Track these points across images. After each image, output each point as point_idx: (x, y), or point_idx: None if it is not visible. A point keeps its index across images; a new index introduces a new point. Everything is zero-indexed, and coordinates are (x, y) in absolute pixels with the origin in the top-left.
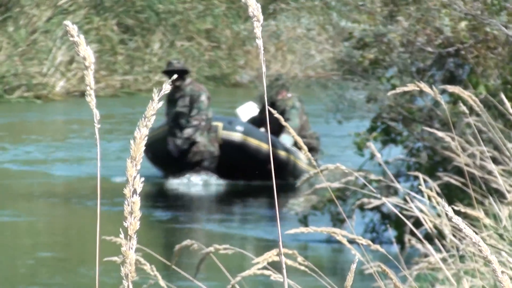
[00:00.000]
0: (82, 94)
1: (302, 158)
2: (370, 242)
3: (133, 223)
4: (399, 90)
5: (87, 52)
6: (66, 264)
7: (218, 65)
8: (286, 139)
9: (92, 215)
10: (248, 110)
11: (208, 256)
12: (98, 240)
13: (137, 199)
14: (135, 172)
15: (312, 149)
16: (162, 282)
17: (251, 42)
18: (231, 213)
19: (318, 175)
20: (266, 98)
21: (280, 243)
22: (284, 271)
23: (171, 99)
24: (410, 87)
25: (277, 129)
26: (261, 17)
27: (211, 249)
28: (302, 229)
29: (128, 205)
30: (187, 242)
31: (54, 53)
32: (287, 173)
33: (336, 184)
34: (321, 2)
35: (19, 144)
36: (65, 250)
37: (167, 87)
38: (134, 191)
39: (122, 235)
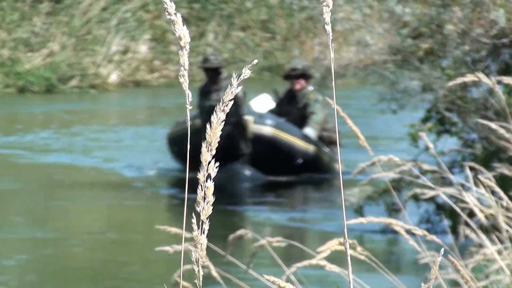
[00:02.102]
0: (137, 84)
1: (327, 152)
2: (426, 233)
3: (206, 208)
4: (458, 80)
5: (183, 31)
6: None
7: (273, 56)
8: (310, 133)
9: (141, 205)
10: (262, 102)
11: (262, 246)
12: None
13: (210, 184)
14: (210, 157)
15: (333, 143)
16: (214, 272)
17: (306, 33)
18: (281, 205)
19: (371, 166)
20: (334, 86)
21: (345, 231)
22: (349, 258)
23: (205, 92)
24: (469, 77)
25: (299, 122)
26: (330, 3)
27: (264, 242)
28: (362, 220)
29: (202, 190)
30: (241, 231)
31: (108, 43)
32: (317, 168)
33: (392, 174)
34: None
35: (74, 132)
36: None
37: (246, 72)
38: (208, 176)
39: (194, 219)
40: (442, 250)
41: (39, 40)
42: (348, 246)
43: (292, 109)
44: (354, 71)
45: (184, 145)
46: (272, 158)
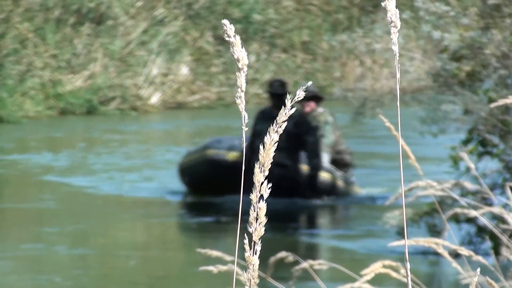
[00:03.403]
0: (178, 105)
1: (339, 177)
2: (471, 253)
3: (258, 228)
4: (500, 102)
5: (241, 53)
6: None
7: (314, 77)
8: (323, 157)
9: (173, 228)
10: None
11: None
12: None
13: (263, 205)
14: (263, 178)
15: (346, 165)
16: None
17: (348, 55)
18: (320, 227)
19: (409, 191)
20: (399, 107)
21: (406, 254)
22: (409, 278)
23: (268, 117)
24: (511, 99)
25: (298, 145)
26: (398, 23)
27: (306, 264)
28: (402, 242)
29: (254, 211)
30: (282, 254)
31: (149, 65)
32: (333, 194)
33: (435, 193)
34: (413, 16)
35: (113, 153)
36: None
37: (300, 94)
38: (261, 197)
39: (246, 240)
40: (479, 269)
41: (80, 62)
42: (409, 271)
43: (293, 133)
44: (392, 98)
45: (196, 176)
46: (281, 184)
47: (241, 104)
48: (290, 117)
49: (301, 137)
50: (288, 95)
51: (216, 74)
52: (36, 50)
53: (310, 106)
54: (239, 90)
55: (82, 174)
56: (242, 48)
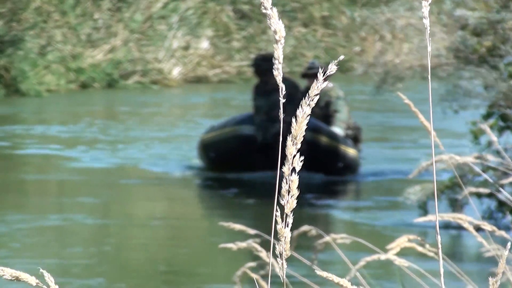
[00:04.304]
0: (198, 79)
1: (358, 152)
2: (495, 228)
3: (290, 201)
4: None
5: (278, 25)
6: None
7: (334, 52)
8: (338, 132)
9: (197, 200)
10: None
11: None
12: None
13: (295, 178)
14: (295, 150)
15: (356, 140)
16: (278, 269)
17: (367, 29)
18: (339, 203)
19: (430, 166)
20: (429, 79)
21: (437, 228)
22: (441, 252)
23: (260, 93)
24: None
25: (323, 121)
26: None
27: (329, 238)
28: (430, 217)
29: (286, 183)
30: (305, 227)
31: (170, 38)
32: (353, 169)
33: (456, 167)
34: None
35: (134, 128)
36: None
37: (333, 68)
38: (293, 170)
39: (278, 212)
40: (509, 244)
41: (100, 36)
42: (440, 246)
43: (314, 108)
44: (413, 74)
45: (224, 151)
46: (315, 161)
47: (279, 75)
48: (278, 90)
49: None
50: (273, 69)
51: (236, 48)
52: (57, 24)
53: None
54: (276, 62)
55: (102, 147)
56: (279, 20)
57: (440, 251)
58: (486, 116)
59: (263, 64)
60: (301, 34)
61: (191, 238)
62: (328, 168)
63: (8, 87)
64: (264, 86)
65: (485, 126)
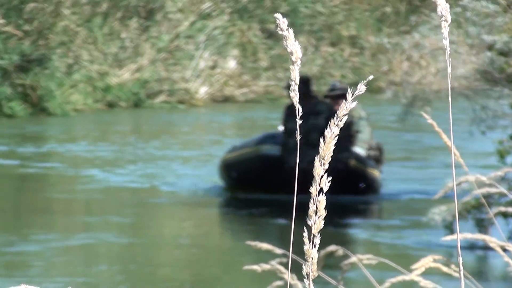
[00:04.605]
0: (225, 99)
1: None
2: None
3: (317, 222)
4: None
5: (294, 47)
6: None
7: (361, 71)
8: (360, 152)
9: (222, 221)
10: None
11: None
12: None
13: (323, 198)
14: (323, 171)
15: (378, 160)
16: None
17: (394, 52)
18: (365, 223)
19: (457, 186)
20: (450, 100)
21: (459, 249)
22: (462, 272)
23: (294, 114)
24: None
25: (344, 142)
26: (449, 17)
27: (355, 259)
28: (454, 236)
29: (314, 204)
30: (332, 247)
31: (196, 58)
32: (375, 189)
33: (493, 189)
34: (462, 15)
35: (159, 147)
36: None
37: (362, 88)
38: (321, 190)
39: (305, 233)
40: None
41: (128, 55)
42: (461, 266)
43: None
44: (441, 96)
45: (246, 171)
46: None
47: (295, 97)
48: (322, 112)
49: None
50: (312, 91)
51: (263, 68)
52: (84, 43)
53: (339, 103)
54: (293, 83)
55: (128, 166)
56: (295, 41)
57: (461, 271)
58: None
59: (302, 86)
60: (328, 54)
61: (217, 258)
62: (350, 188)
63: (35, 106)
64: (301, 108)
65: None
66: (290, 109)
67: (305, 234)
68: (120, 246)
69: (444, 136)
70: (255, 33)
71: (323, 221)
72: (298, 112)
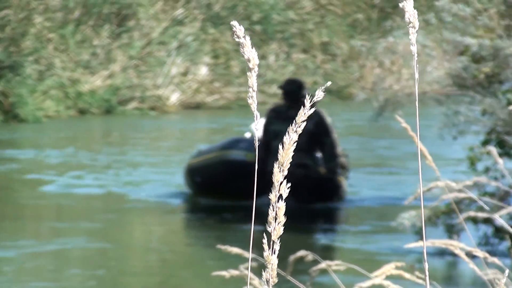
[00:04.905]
0: (197, 106)
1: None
2: (487, 255)
3: (277, 228)
4: None
5: (251, 53)
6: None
7: (333, 78)
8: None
9: (187, 227)
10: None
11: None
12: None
13: (282, 205)
14: (282, 177)
15: (343, 167)
16: None
17: (367, 57)
18: (337, 227)
19: (426, 192)
20: (417, 109)
21: (425, 255)
22: (427, 278)
23: (282, 117)
24: None
25: (306, 147)
26: (417, 24)
27: (324, 265)
28: (420, 243)
29: (273, 210)
30: (302, 252)
31: (168, 65)
32: (340, 196)
33: (453, 195)
34: (437, 18)
35: (129, 154)
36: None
37: (319, 94)
38: (280, 197)
39: (265, 240)
40: (507, 271)
41: (99, 62)
42: (427, 272)
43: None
44: (413, 100)
45: (210, 176)
46: (305, 188)
47: (253, 104)
48: (310, 117)
49: (319, 137)
50: (306, 96)
51: (235, 74)
52: (56, 50)
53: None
54: (250, 90)
55: (98, 172)
56: (252, 48)
57: (427, 277)
58: (484, 143)
59: (298, 90)
60: (300, 60)
61: (186, 263)
62: (318, 194)
63: (7, 113)
64: (287, 111)
65: (492, 149)
66: (275, 111)
67: (265, 240)
68: (90, 251)
69: (417, 141)
70: (227, 40)
71: (282, 228)
72: (257, 118)
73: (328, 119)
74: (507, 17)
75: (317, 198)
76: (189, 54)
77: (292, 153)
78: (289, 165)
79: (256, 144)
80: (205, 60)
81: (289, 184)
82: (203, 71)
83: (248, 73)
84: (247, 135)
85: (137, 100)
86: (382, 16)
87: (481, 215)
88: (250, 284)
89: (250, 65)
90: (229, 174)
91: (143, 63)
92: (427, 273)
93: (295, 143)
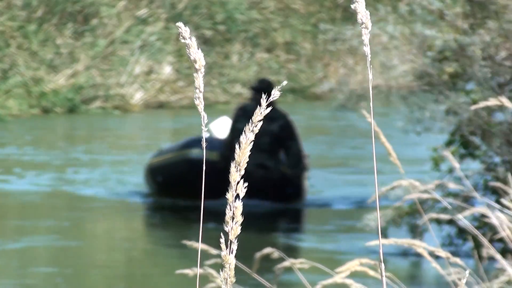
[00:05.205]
0: (160, 105)
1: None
2: (449, 255)
3: (234, 228)
4: (481, 104)
5: (197, 54)
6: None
7: (297, 78)
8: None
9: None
10: (222, 125)
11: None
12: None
13: (239, 204)
14: (239, 177)
15: (304, 168)
16: None
17: (331, 55)
18: (305, 227)
19: (389, 191)
20: (372, 109)
21: (381, 255)
22: (384, 278)
23: (249, 115)
24: (492, 101)
25: (268, 148)
26: (369, 25)
27: (288, 263)
28: (383, 241)
29: (230, 210)
30: (267, 250)
31: (132, 64)
32: (303, 195)
33: (417, 195)
34: (407, 11)
35: (92, 153)
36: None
37: (276, 93)
38: (237, 196)
39: (222, 239)
40: (468, 271)
41: (63, 61)
42: (383, 269)
43: (263, 136)
44: (378, 93)
45: (172, 176)
46: (265, 188)
47: (200, 104)
48: (275, 119)
49: (284, 140)
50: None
51: None
52: (19, 49)
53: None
54: (197, 91)
55: (60, 170)
56: (198, 49)
57: (383, 276)
58: (448, 143)
59: (269, 89)
60: (264, 60)
61: (150, 260)
62: (277, 195)
63: None
64: (253, 110)
65: (447, 153)
66: (242, 110)
67: (222, 240)
68: (54, 249)
69: (382, 137)
70: (182, 40)
71: (239, 227)
72: (204, 119)
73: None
74: (471, 16)
75: (277, 199)
76: (153, 53)
77: (250, 153)
78: (250, 165)
79: (204, 145)
80: (169, 59)
81: (246, 184)
82: (166, 70)
83: (195, 74)
84: (205, 134)
85: (101, 99)
86: (346, 16)
87: (444, 216)
88: (214, 282)
89: (197, 66)
90: (191, 173)
91: (106, 62)
92: (383, 272)
93: (258, 144)
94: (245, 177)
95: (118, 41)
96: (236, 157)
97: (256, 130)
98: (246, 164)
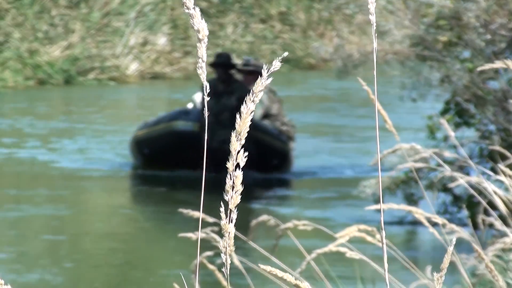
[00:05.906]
0: (155, 76)
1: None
2: (445, 221)
3: (234, 197)
4: (486, 66)
5: (201, 24)
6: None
7: (292, 48)
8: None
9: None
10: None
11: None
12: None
13: (239, 174)
14: (239, 146)
15: (289, 137)
16: (236, 260)
17: (325, 25)
18: (299, 196)
19: (392, 154)
20: (375, 74)
21: (382, 221)
22: (384, 244)
23: (215, 93)
24: (497, 64)
25: (229, 124)
26: None
27: (290, 224)
28: (384, 206)
29: (231, 179)
30: (264, 217)
31: (127, 35)
32: (288, 165)
33: (418, 164)
34: None
35: (87, 123)
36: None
37: (277, 65)
38: (237, 166)
39: (222, 208)
40: (455, 238)
41: (58, 33)
42: (384, 238)
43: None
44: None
45: (159, 148)
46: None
47: (203, 74)
48: (231, 92)
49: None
50: (234, 68)
51: (194, 45)
52: (14, 21)
53: (249, 79)
54: (200, 60)
55: (55, 141)
56: (202, 19)
57: (384, 241)
58: (443, 112)
59: (228, 61)
60: (258, 30)
61: (148, 228)
62: (263, 165)
63: None
64: (215, 87)
65: (443, 121)
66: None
67: (222, 209)
68: (49, 218)
69: (378, 105)
70: (186, 10)
71: (239, 196)
72: (206, 89)
73: (273, 89)
74: None
75: (262, 170)
76: (148, 24)
77: (211, 131)
78: (215, 142)
79: (206, 114)
80: (164, 30)
81: (246, 153)
82: (162, 41)
83: (198, 44)
84: (190, 105)
85: (97, 70)
86: None
87: (453, 184)
88: (216, 247)
89: (200, 36)
90: (177, 145)
91: (101, 33)
92: (384, 238)
93: (220, 121)
94: (212, 156)
95: (113, 12)
96: (236, 127)
97: (257, 100)
98: (211, 143)
